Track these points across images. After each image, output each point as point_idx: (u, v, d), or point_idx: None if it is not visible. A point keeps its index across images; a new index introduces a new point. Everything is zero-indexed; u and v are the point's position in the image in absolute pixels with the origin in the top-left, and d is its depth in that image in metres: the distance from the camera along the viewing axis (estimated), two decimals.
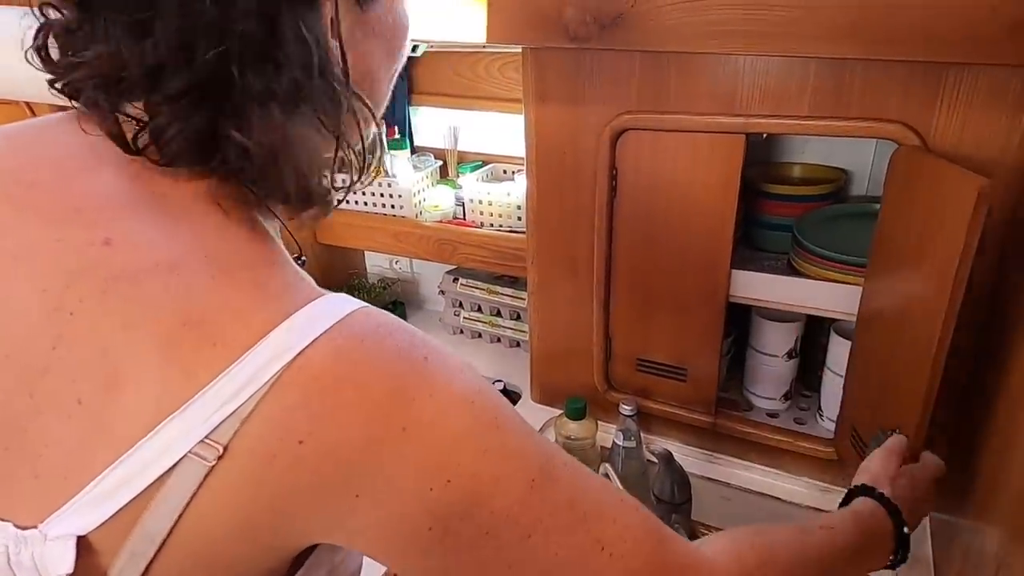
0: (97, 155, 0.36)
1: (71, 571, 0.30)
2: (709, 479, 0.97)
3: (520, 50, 0.89)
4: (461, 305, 1.36)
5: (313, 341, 0.31)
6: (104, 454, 0.30)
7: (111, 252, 0.33)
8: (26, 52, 0.38)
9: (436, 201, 1.29)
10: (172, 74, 0.34)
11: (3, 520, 0.32)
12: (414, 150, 1.35)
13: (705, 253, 0.87)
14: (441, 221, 1.25)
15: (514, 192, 1.16)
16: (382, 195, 1.27)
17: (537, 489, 0.35)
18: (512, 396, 1.19)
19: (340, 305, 0.33)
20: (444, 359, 0.35)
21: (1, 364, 0.32)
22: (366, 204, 1.29)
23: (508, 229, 1.17)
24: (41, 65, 0.37)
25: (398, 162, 1.25)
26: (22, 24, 0.38)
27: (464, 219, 1.25)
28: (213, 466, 0.30)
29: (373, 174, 0.44)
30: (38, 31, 0.37)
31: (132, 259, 0.33)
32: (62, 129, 0.38)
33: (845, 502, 0.59)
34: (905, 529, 0.57)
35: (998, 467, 0.63)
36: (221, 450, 0.30)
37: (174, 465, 0.30)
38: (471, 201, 1.22)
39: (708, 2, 0.71)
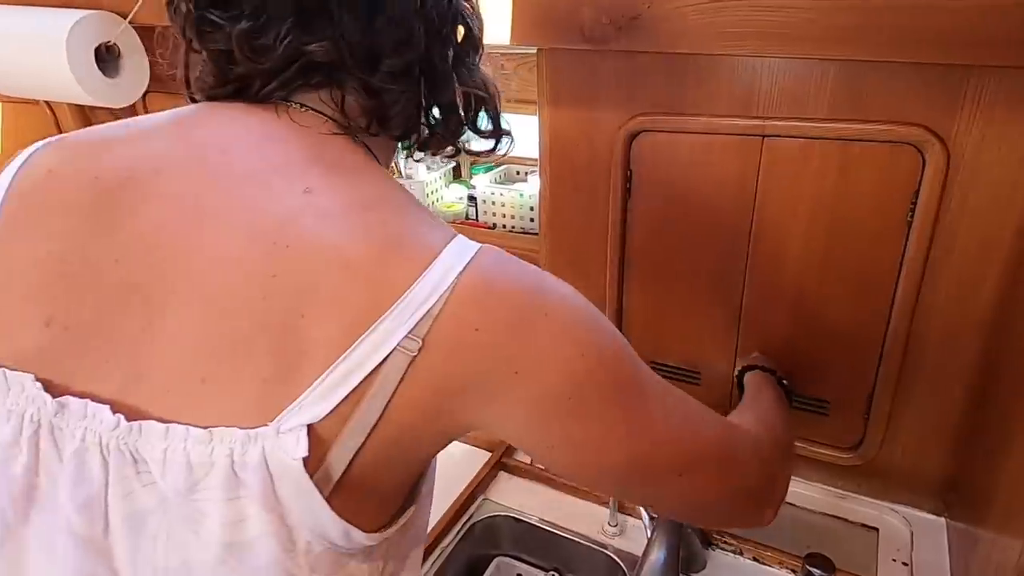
0: (272, 132, 0.44)
1: (306, 454, 0.36)
2: None
3: (536, 51, 0.89)
4: None
5: (473, 256, 0.39)
6: (327, 355, 0.36)
7: (313, 197, 0.40)
8: (208, 57, 0.46)
9: (450, 201, 1.29)
10: (391, 55, 0.44)
11: (228, 427, 0.36)
12: None
13: (721, 256, 0.86)
14: (454, 221, 1.25)
15: (527, 193, 1.16)
16: None
17: (640, 365, 0.44)
18: None
19: (470, 240, 0.42)
20: (547, 272, 0.43)
21: (230, 298, 0.38)
22: None
23: (521, 230, 1.17)
24: (225, 65, 0.45)
25: (412, 163, 1.26)
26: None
27: (477, 220, 1.25)
28: (415, 357, 0.37)
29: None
30: (224, 35, 0.43)
31: (333, 202, 0.40)
32: (217, 116, 0.45)
33: (740, 388, 0.80)
34: (784, 381, 0.78)
35: (1020, 475, 0.62)
36: (421, 343, 0.37)
37: (386, 358, 0.36)
38: (484, 202, 1.21)
39: (725, 3, 0.70)
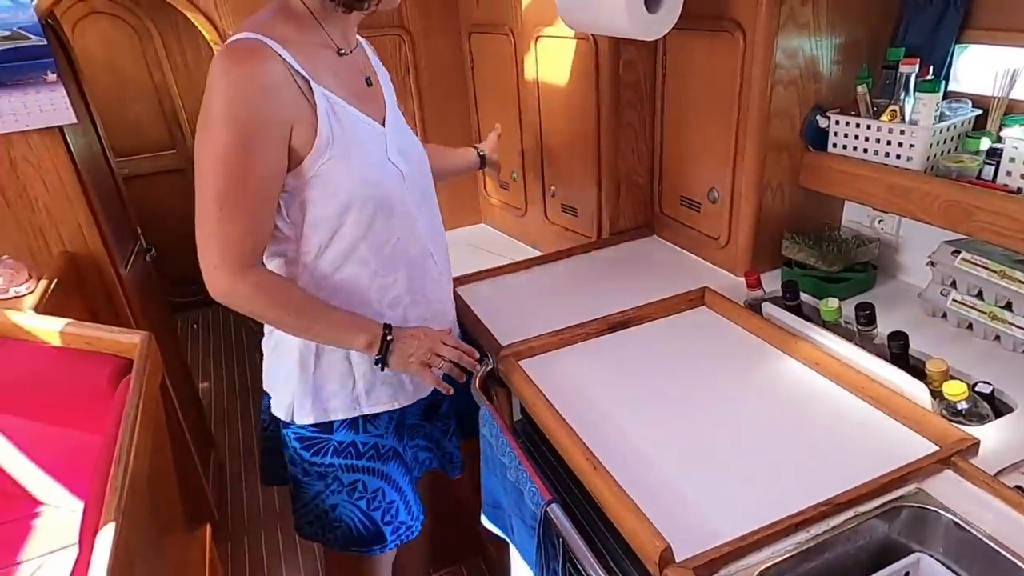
0: None
1: None
2: None
3: None
4: (954, 284, 1.15)
5: None
6: None
7: None
8: None
9: (959, 155, 1.09)
10: None
11: None
12: (946, 95, 1.15)
13: None
14: (958, 179, 1.06)
15: None
16: (888, 142, 1.15)
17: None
18: (999, 407, 0.97)
19: None
20: None
21: None
22: (865, 151, 1.19)
23: None
24: None
25: (921, 106, 1.10)
26: None
27: (993, 180, 1.03)
28: None
29: None
30: None
31: None
32: None
33: None
34: (389, 336, 1.00)
35: None
36: None
37: None
38: (1012, 160, 0.99)
39: None
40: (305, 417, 1.05)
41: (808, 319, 1.15)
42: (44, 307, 1.46)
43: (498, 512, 1.14)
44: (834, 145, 1.25)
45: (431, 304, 1.10)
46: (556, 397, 1.02)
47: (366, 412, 1.07)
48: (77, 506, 1.33)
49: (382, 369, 1.01)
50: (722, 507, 0.81)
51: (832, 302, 1.12)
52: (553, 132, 1.65)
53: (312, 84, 0.90)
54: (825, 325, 1.12)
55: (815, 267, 1.26)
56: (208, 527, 1.52)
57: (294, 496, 1.14)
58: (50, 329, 1.30)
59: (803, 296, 1.21)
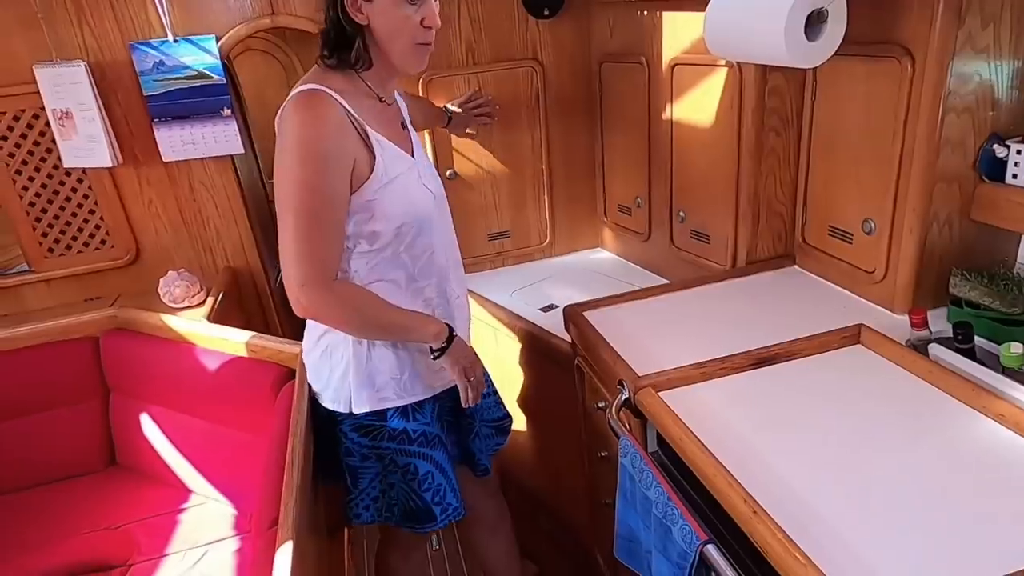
0: None
1: None
2: None
3: None
4: None
5: None
6: None
7: None
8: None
9: None
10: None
11: None
12: None
13: None
14: None
15: None
16: None
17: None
18: None
19: None
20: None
21: None
22: None
23: None
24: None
25: None
26: None
27: None
28: None
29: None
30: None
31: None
32: None
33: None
34: (454, 332, 1.21)
35: None
36: None
37: None
38: None
39: None
40: (363, 405, 1.21)
41: (982, 364, 1.05)
42: (213, 317, 1.62)
43: (634, 546, 1.12)
44: (1014, 176, 1.14)
45: (452, 304, 1.29)
46: (702, 433, 0.99)
47: (410, 401, 1.24)
48: (234, 502, 1.45)
49: (436, 359, 1.19)
50: (906, 571, 0.75)
51: (1016, 347, 1.01)
52: (686, 158, 1.63)
53: (364, 125, 1.09)
54: (1005, 372, 1.02)
55: (991, 308, 1.15)
56: (346, 531, 1.61)
57: (350, 486, 1.28)
58: (221, 337, 1.44)
59: (976, 339, 1.11)
